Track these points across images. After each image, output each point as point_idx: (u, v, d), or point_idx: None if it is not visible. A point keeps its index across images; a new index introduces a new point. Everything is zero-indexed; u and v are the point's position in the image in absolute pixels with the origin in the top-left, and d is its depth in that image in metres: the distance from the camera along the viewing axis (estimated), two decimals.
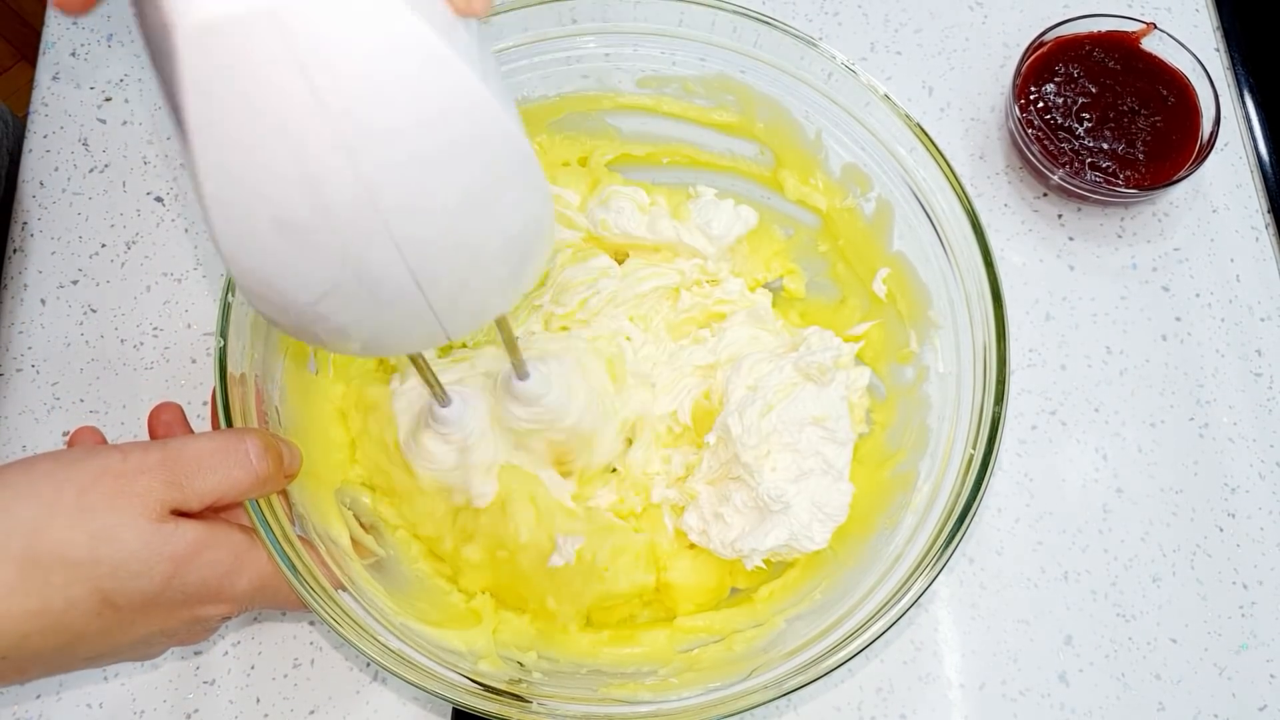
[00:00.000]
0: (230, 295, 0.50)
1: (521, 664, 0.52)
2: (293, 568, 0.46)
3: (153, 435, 0.50)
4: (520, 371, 0.50)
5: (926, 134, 0.53)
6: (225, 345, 0.49)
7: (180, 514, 0.44)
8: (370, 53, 0.30)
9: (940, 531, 0.49)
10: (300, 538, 0.48)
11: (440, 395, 0.50)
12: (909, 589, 0.47)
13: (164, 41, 0.30)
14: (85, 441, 0.49)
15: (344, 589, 0.49)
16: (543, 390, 0.51)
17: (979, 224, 0.52)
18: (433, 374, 0.48)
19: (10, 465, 0.43)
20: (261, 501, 0.47)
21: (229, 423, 0.48)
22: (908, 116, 0.54)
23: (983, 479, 0.49)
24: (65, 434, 0.62)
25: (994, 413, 0.49)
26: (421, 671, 0.47)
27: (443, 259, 0.36)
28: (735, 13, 0.56)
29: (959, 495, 0.49)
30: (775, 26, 0.55)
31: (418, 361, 0.46)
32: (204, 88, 0.30)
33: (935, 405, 0.54)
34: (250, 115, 0.30)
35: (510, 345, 0.47)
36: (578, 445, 0.54)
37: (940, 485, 0.51)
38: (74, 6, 0.35)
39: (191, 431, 0.50)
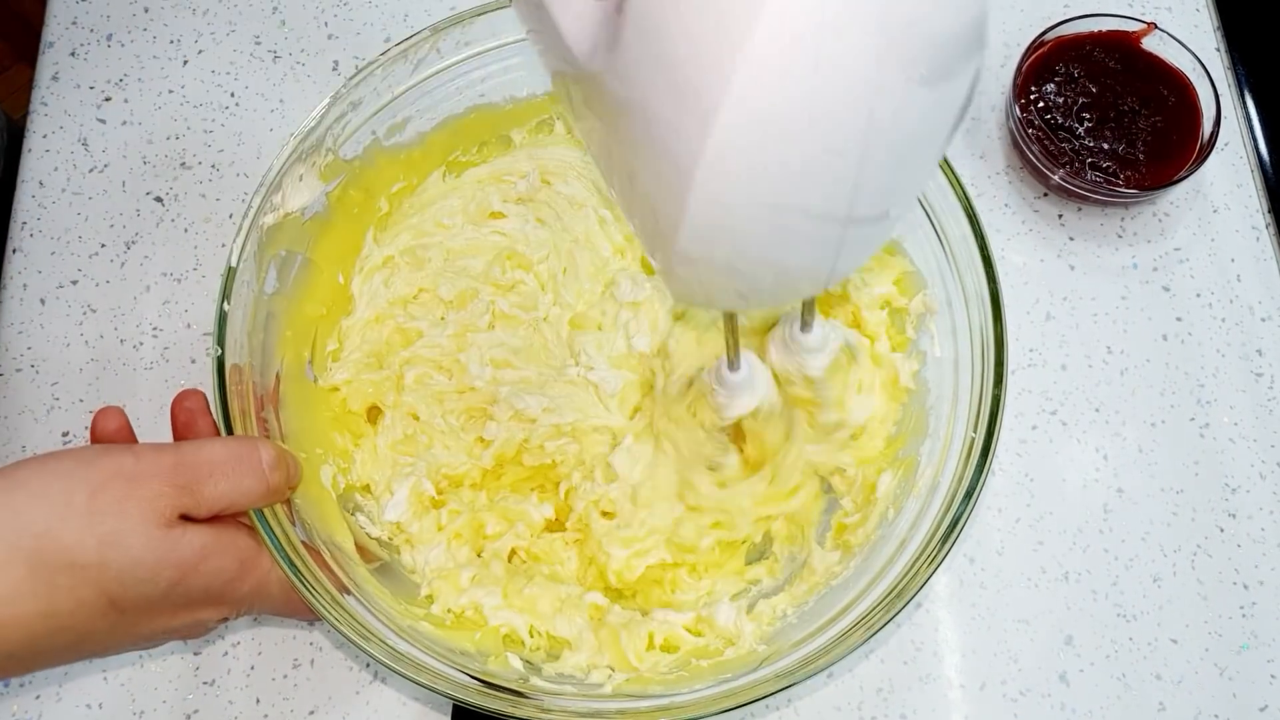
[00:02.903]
0: (226, 302, 0.50)
1: (529, 661, 0.52)
2: (298, 574, 0.46)
3: (175, 422, 0.50)
4: (808, 324, 0.50)
5: None
6: (223, 353, 0.49)
7: (188, 519, 0.44)
8: None
9: (944, 515, 0.48)
10: (304, 544, 0.48)
11: (733, 355, 0.50)
12: (915, 574, 0.47)
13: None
14: (108, 421, 0.49)
15: (349, 593, 0.49)
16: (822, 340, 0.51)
17: (967, 198, 0.52)
18: (736, 331, 0.48)
19: (23, 464, 0.43)
20: (265, 510, 0.47)
21: (229, 431, 0.48)
22: None
23: (984, 462, 0.49)
24: (65, 434, 0.62)
25: (994, 395, 0.49)
26: (430, 673, 0.47)
27: (884, 185, 0.35)
28: None
29: (961, 479, 0.49)
30: None
31: (731, 320, 0.46)
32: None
33: (934, 390, 0.54)
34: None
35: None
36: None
37: (942, 470, 0.51)
38: None
39: (214, 421, 0.50)
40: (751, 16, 0.27)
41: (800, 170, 0.31)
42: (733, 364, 0.50)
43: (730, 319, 0.47)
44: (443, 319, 0.60)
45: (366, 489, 0.57)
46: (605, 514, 0.56)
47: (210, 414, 0.50)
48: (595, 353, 0.57)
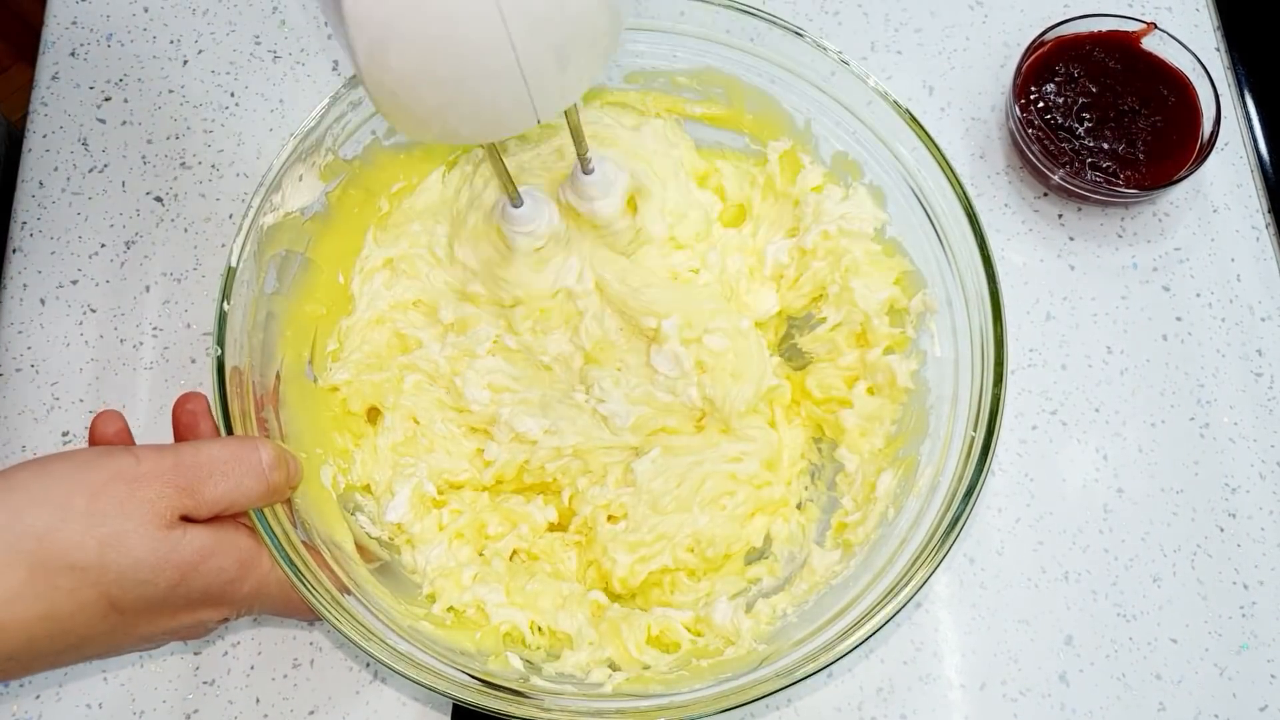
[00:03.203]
0: (226, 302, 0.50)
1: (530, 661, 0.52)
2: (299, 574, 0.46)
3: (176, 425, 0.50)
4: (585, 164, 0.52)
5: (919, 123, 0.54)
6: (223, 354, 0.49)
7: (188, 519, 0.44)
8: None
9: (944, 515, 0.49)
10: (304, 544, 0.48)
11: (513, 192, 0.52)
12: (915, 573, 0.47)
13: None
14: (107, 424, 0.49)
15: (349, 593, 0.49)
16: (609, 182, 0.53)
17: (967, 198, 0.52)
18: (505, 168, 0.49)
19: (24, 466, 0.43)
20: (265, 510, 0.47)
21: (229, 431, 0.48)
22: (897, 104, 0.54)
23: (984, 461, 0.49)
24: (65, 434, 0.62)
25: (994, 394, 0.50)
26: (430, 672, 0.47)
27: (542, 26, 0.37)
28: (732, 9, 0.56)
29: (961, 479, 0.49)
30: (775, 23, 0.55)
31: (494, 153, 0.48)
32: None
33: (934, 389, 0.54)
34: None
35: (577, 132, 0.49)
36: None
37: (942, 469, 0.51)
38: None
39: (215, 424, 0.50)
40: None
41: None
42: (513, 199, 0.52)
43: (492, 153, 0.48)
44: (442, 335, 0.60)
45: (367, 489, 0.57)
46: (612, 518, 0.56)
47: (211, 416, 0.50)
48: (611, 388, 0.57)
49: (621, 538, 0.55)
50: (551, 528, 0.58)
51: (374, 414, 0.59)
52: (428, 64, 0.39)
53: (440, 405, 0.58)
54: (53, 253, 0.66)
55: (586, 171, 0.53)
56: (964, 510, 0.48)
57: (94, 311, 0.64)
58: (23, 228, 0.66)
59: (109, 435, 0.48)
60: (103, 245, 0.66)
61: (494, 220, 0.55)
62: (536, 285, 0.56)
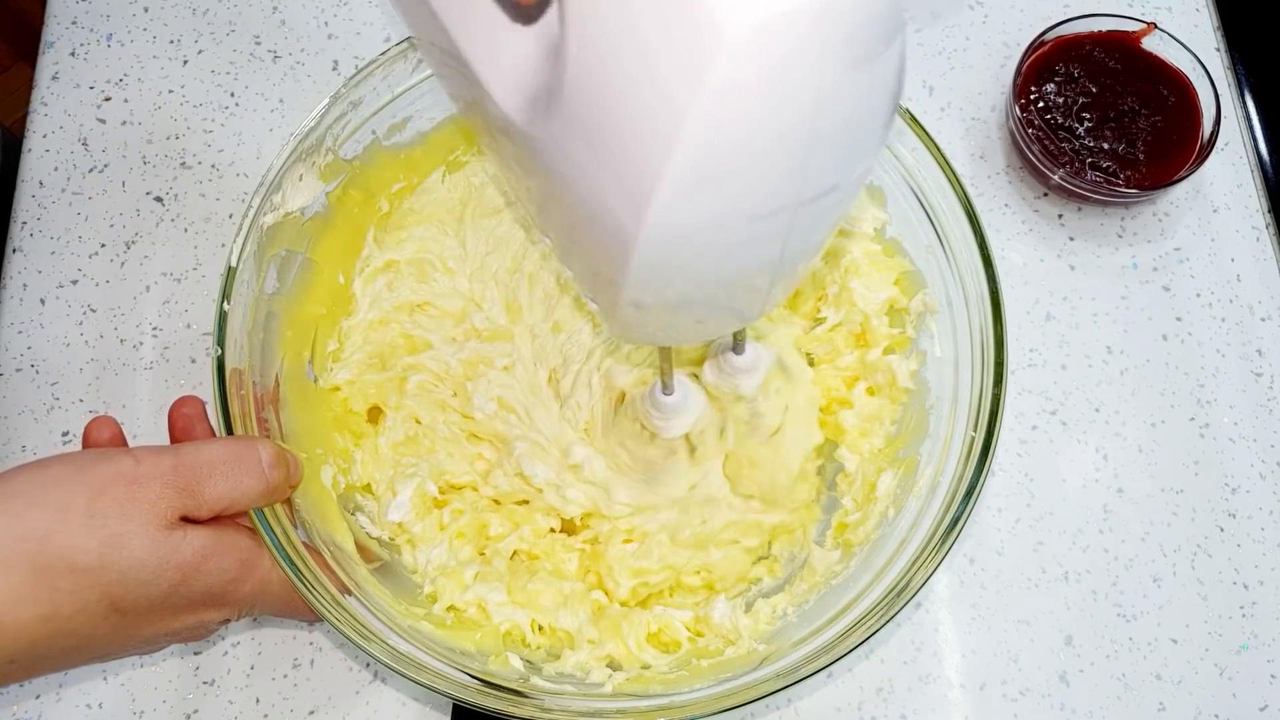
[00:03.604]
0: (226, 302, 0.50)
1: (530, 661, 0.52)
2: (299, 574, 0.46)
3: (172, 428, 0.50)
4: (739, 347, 0.52)
5: (919, 123, 0.54)
6: (223, 354, 0.49)
7: (188, 520, 0.44)
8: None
9: (944, 515, 0.49)
10: (305, 544, 0.48)
11: (669, 380, 0.51)
12: (915, 573, 0.47)
13: (691, 46, 0.26)
14: (101, 430, 0.49)
15: (350, 594, 0.49)
16: (756, 359, 0.53)
17: (967, 198, 0.52)
18: (670, 361, 0.49)
19: (23, 469, 0.43)
20: (265, 510, 0.47)
21: (229, 431, 0.48)
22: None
23: (984, 461, 0.49)
24: (65, 434, 0.62)
25: (994, 394, 0.50)
26: (430, 672, 0.47)
27: (812, 229, 0.35)
28: None
29: (961, 479, 0.49)
30: None
31: (666, 350, 0.48)
32: (736, 91, 0.27)
33: (934, 390, 0.54)
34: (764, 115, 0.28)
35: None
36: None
37: (942, 469, 0.51)
38: None
39: (211, 427, 0.50)
40: (698, 72, 0.27)
41: (746, 207, 0.31)
42: (667, 388, 0.51)
43: (664, 347, 0.48)
44: (454, 339, 0.60)
45: (367, 489, 0.57)
46: (627, 540, 0.56)
47: (208, 419, 0.50)
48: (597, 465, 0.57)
49: (629, 562, 0.55)
50: (555, 529, 0.58)
51: (375, 414, 0.59)
52: (701, 292, 0.35)
53: (444, 407, 0.58)
54: (53, 253, 0.66)
55: (738, 352, 0.52)
56: (964, 510, 0.48)
57: (94, 311, 0.64)
58: (23, 228, 0.66)
59: (103, 441, 0.48)
60: (103, 245, 0.66)
61: (640, 408, 0.54)
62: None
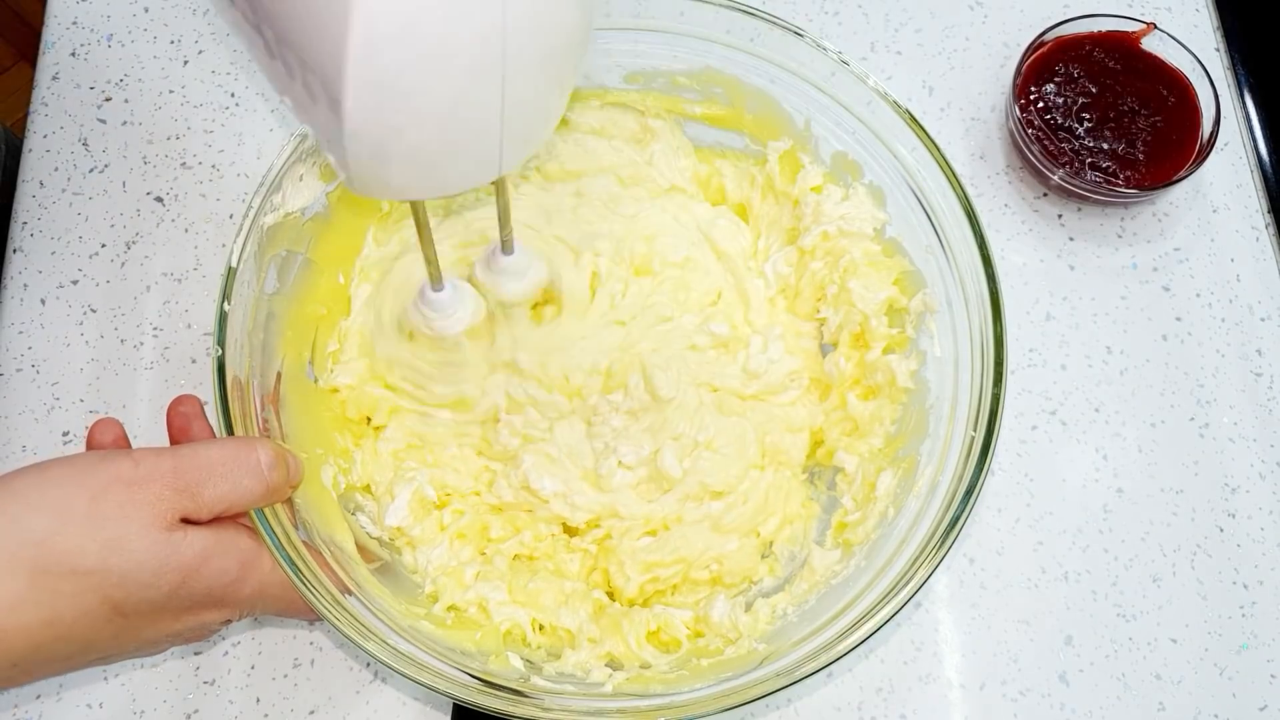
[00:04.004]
0: (226, 303, 0.50)
1: (530, 661, 0.52)
2: (299, 574, 0.46)
3: (170, 428, 0.50)
4: (506, 245, 0.51)
5: (919, 123, 0.54)
6: (223, 354, 0.49)
7: (188, 521, 0.44)
8: None
9: (944, 514, 0.49)
10: (305, 544, 0.48)
11: (436, 274, 0.50)
12: (915, 572, 0.47)
13: None
14: (104, 432, 0.49)
15: (350, 594, 0.49)
16: (524, 266, 0.52)
17: (967, 198, 0.52)
18: (432, 240, 0.48)
19: (23, 472, 0.43)
20: (266, 510, 0.47)
21: (229, 431, 0.48)
22: (897, 104, 0.54)
23: (984, 461, 0.49)
24: (65, 434, 0.62)
25: (994, 394, 0.50)
26: (431, 672, 0.47)
27: (531, 82, 0.35)
28: (733, 9, 0.56)
29: (961, 478, 0.49)
30: (775, 24, 0.55)
31: (422, 227, 0.46)
32: None
33: (934, 389, 0.54)
34: None
35: (505, 211, 0.48)
36: None
37: (942, 469, 0.51)
38: None
39: (209, 425, 0.50)
40: None
41: (448, 19, 0.32)
42: (435, 283, 0.50)
43: (424, 232, 0.46)
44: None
45: (367, 489, 0.57)
46: (650, 532, 0.56)
47: (205, 418, 0.50)
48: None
49: (640, 555, 0.55)
50: (555, 534, 0.58)
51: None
52: (421, 118, 0.36)
53: (455, 432, 0.58)
54: (53, 253, 0.66)
55: (506, 252, 0.51)
56: (964, 510, 0.48)
57: (94, 311, 0.64)
58: (23, 228, 0.66)
59: (106, 443, 0.48)
60: (103, 245, 0.66)
61: (414, 314, 0.53)
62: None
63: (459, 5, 0.32)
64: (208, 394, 0.61)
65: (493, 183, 0.44)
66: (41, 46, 0.71)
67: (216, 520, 0.45)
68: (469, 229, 0.60)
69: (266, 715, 0.56)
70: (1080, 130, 0.65)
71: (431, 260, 0.48)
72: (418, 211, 0.45)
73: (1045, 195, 0.68)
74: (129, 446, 0.49)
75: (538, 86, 0.37)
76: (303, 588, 0.46)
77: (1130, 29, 0.66)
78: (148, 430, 0.62)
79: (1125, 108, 0.65)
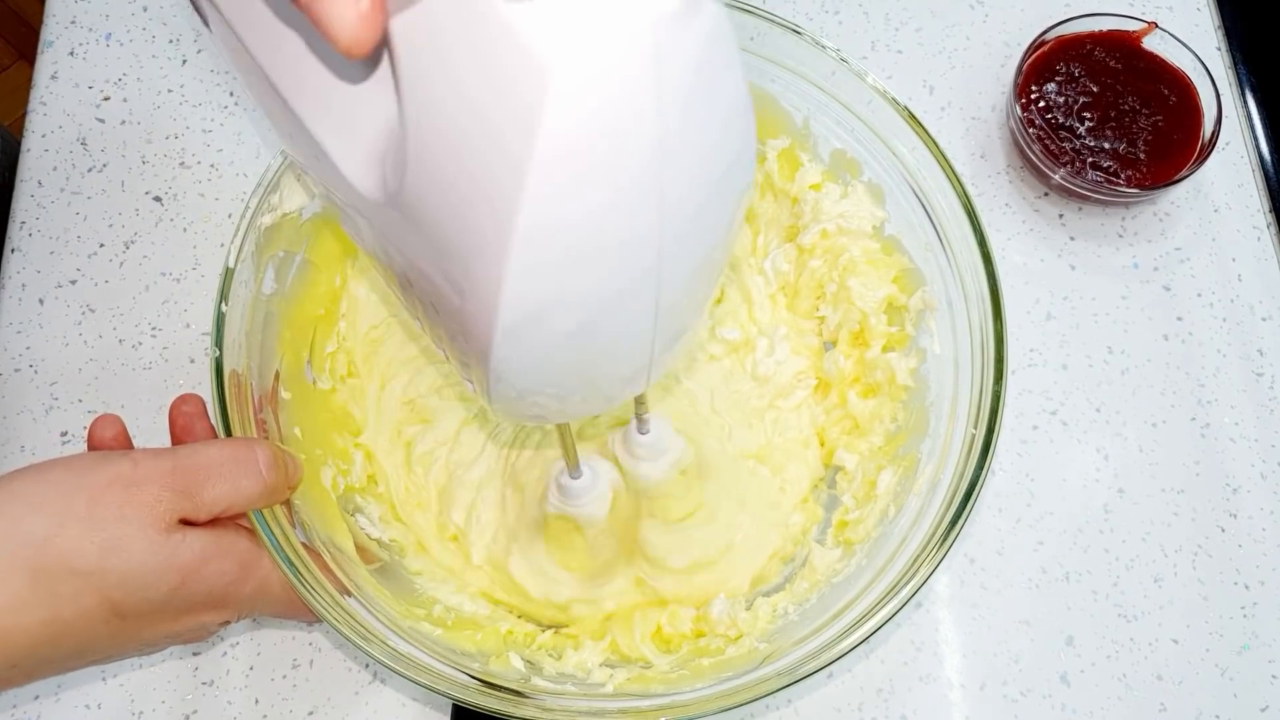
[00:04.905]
0: (224, 303, 0.50)
1: (530, 661, 0.52)
2: (298, 576, 0.46)
3: (173, 426, 0.50)
4: (642, 425, 0.50)
5: (919, 122, 0.54)
6: (221, 355, 0.49)
7: (187, 522, 0.44)
8: (704, 79, 0.28)
9: (945, 513, 0.48)
10: (304, 545, 0.48)
11: (574, 462, 0.49)
12: (915, 571, 0.47)
13: (516, 89, 0.25)
14: (105, 429, 0.49)
15: (350, 594, 0.48)
16: (662, 447, 0.51)
17: (967, 197, 0.52)
18: (572, 438, 0.47)
19: (21, 473, 0.43)
20: (265, 512, 0.47)
21: (227, 432, 0.48)
22: (896, 102, 0.54)
23: (985, 459, 0.48)
24: (64, 434, 0.62)
25: (994, 392, 0.49)
26: (431, 673, 0.46)
27: (685, 286, 0.32)
28: (732, 7, 0.56)
29: (962, 477, 0.49)
30: (775, 22, 0.55)
31: (566, 429, 0.45)
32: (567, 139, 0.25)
33: (934, 387, 0.54)
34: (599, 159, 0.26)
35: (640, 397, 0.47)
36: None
37: (943, 468, 0.51)
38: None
39: (211, 425, 0.50)
40: (529, 135, 0.25)
41: (603, 280, 0.30)
42: (572, 471, 0.50)
43: (563, 426, 0.46)
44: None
45: (366, 490, 0.57)
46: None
47: (208, 418, 0.50)
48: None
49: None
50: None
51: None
52: (571, 361, 0.33)
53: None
54: (51, 252, 0.66)
55: (642, 431, 0.51)
56: (964, 508, 0.48)
57: (93, 311, 0.64)
58: (21, 227, 0.66)
59: (107, 440, 0.48)
60: (102, 245, 0.66)
61: (545, 508, 0.53)
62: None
63: (616, 262, 0.29)
64: (206, 394, 0.61)
65: None
66: (40, 45, 0.71)
67: (215, 521, 0.45)
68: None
69: (265, 716, 0.56)
70: (1081, 130, 0.65)
71: (569, 449, 0.48)
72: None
73: (1046, 195, 0.68)
74: (130, 442, 0.49)
75: (692, 304, 0.35)
76: (302, 589, 0.46)
77: (1131, 28, 0.66)
78: (147, 430, 0.61)
79: (1126, 107, 0.65)
